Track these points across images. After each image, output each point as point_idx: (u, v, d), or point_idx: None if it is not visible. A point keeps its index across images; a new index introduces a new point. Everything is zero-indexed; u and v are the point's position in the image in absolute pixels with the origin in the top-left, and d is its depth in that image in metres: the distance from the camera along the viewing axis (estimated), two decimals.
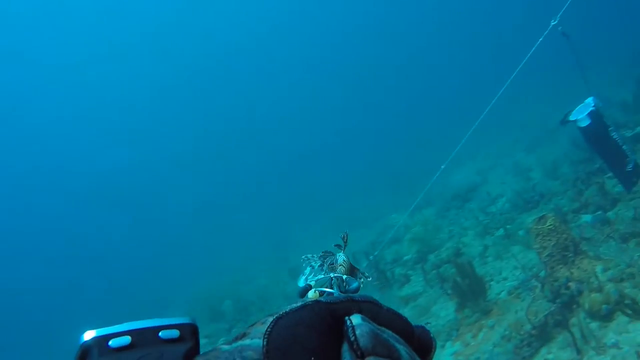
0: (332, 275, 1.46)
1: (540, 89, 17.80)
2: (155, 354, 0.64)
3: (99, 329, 0.65)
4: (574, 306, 5.61)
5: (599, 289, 5.46)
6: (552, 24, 5.31)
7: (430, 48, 44.84)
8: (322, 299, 0.62)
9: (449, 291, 7.79)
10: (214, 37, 50.31)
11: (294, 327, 0.56)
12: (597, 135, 6.20)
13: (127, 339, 0.65)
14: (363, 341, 0.53)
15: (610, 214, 7.58)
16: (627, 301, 5.15)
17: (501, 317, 6.46)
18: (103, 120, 48.93)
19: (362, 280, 1.59)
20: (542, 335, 5.54)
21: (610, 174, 8.20)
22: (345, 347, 0.55)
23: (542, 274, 6.42)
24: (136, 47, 47.60)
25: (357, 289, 1.38)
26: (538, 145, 14.08)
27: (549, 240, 6.04)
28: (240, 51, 51.58)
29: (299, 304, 0.60)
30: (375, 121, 37.24)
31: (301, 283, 1.48)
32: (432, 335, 0.68)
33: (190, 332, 0.70)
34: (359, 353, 0.52)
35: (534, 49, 5.30)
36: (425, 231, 10.29)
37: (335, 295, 1.06)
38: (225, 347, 0.59)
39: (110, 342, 0.64)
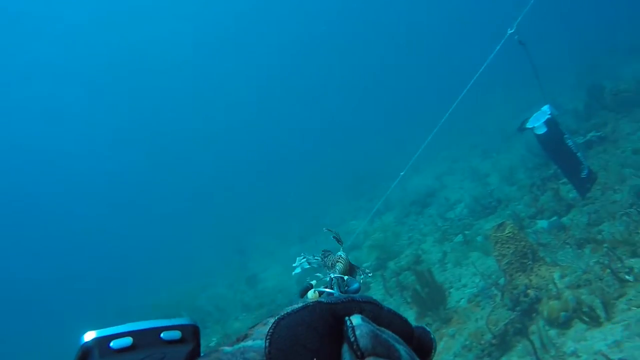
0: (332, 275, 1.47)
1: (497, 95, 18.16)
2: (157, 355, 0.63)
3: (99, 330, 0.63)
4: (533, 314, 5.58)
5: (557, 297, 5.45)
6: (509, 32, 5.28)
7: (392, 55, 45.36)
8: (322, 299, 0.61)
9: (409, 299, 7.68)
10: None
11: (295, 327, 0.56)
12: (553, 142, 6.22)
13: (128, 340, 0.63)
14: (363, 342, 0.53)
15: (565, 219, 7.68)
16: (584, 308, 5.14)
17: (462, 326, 6.38)
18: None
19: (362, 277, 1.64)
20: (503, 344, 5.47)
21: (564, 180, 8.34)
22: (345, 347, 0.55)
23: (502, 281, 6.39)
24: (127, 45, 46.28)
25: (357, 290, 1.37)
26: (494, 150, 14.32)
27: (508, 247, 6.01)
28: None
29: (300, 304, 0.60)
30: (336, 126, 37.23)
31: (297, 270, 1.59)
32: (432, 335, 0.67)
33: (191, 334, 0.68)
34: (359, 353, 0.52)
35: (491, 56, 5.27)
36: (385, 238, 10.20)
37: (335, 295, 1.02)
38: (227, 348, 0.59)
39: (111, 344, 0.62)
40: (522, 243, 6.05)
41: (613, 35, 19.08)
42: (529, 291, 5.77)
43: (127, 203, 43.89)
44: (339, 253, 1.69)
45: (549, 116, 6.31)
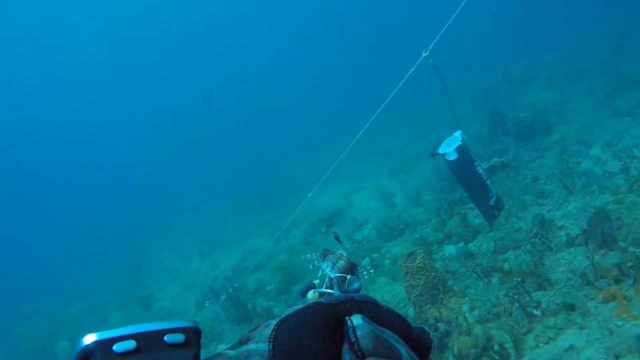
0: (332, 275, 1.45)
1: (405, 115, 18.46)
2: (162, 359, 0.59)
3: (100, 332, 0.59)
4: (444, 350, 5.28)
5: (467, 332, 5.20)
6: (424, 55, 5.04)
7: (307, 72, 45.41)
8: (322, 299, 0.62)
9: None
10: None
11: (297, 329, 0.57)
12: (463, 169, 6.04)
13: (132, 344, 0.59)
14: (364, 342, 0.54)
15: (472, 245, 7.61)
16: (494, 346, 4.92)
17: None
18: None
19: (365, 274, 1.62)
20: None
21: (471, 205, 8.35)
22: (345, 347, 0.56)
23: (411, 312, 6.07)
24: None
25: (358, 289, 1.32)
26: (402, 170, 14.38)
27: (419, 279, 5.70)
28: None
29: (301, 305, 0.62)
30: (242, 139, 36.31)
31: (327, 271, 1.50)
32: (431, 336, 0.68)
33: (194, 337, 0.63)
34: (359, 354, 0.53)
35: (404, 79, 5.11)
36: (290, 260, 9.64)
37: (335, 295, 0.96)
38: (231, 352, 0.59)
39: (114, 347, 0.58)
40: (433, 274, 5.78)
41: (509, 65, 20.34)
42: (439, 324, 5.49)
43: None
44: (340, 251, 1.65)
45: (461, 143, 6.13)
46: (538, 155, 9.43)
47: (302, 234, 12.70)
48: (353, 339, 0.54)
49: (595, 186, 7.26)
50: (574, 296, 4.97)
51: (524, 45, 22.09)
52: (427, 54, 4.97)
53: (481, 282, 5.93)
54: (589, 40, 17.89)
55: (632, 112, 9.75)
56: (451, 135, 6.50)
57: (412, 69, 5.11)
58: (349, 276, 1.46)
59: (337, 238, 1.92)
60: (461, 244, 7.88)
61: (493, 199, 6.26)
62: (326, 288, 1.37)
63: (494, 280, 6.18)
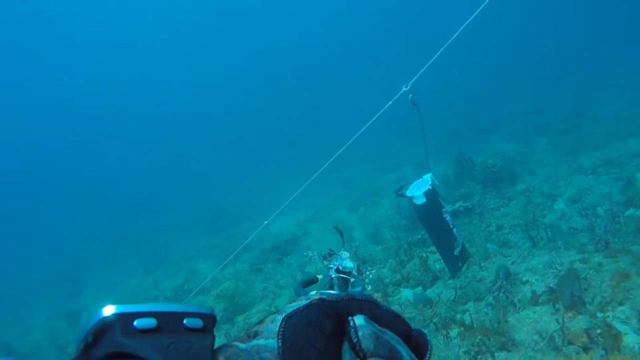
0: (333, 275, 1.49)
1: (370, 150, 18.20)
2: (184, 342, 0.57)
3: (120, 305, 0.56)
4: None
5: None
6: (403, 89, 4.69)
7: (279, 96, 45.08)
8: (324, 297, 0.63)
9: None
10: None
11: (304, 327, 0.58)
12: (430, 214, 5.65)
13: (153, 321, 0.57)
14: (365, 343, 0.55)
15: (430, 292, 7.21)
16: None
17: None
18: None
19: (368, 273, 1.63)
20: None
21: (432, 248, 8.00)
22: (345, 346, 0.57)
23: None
24: None
25: (360, 292, 1.07)
26: (362, 204, 14.01)
27: None
28: None
29: (304, 302, 0.63)
30: (204, 156, 35.33)
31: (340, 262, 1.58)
32: (428, 338, 0.70)
33: (211, 324, 0.62)
34: (361, 354, 0.54)
35: (380, 113, 4.81)
36: (236, 287, 8.95)
37: (335, 293, 0.82)
38: (242, 345, 0.59)
39: (135, 322, 0.56)
40: None
41: (476, 111, 20.63)
42: None
43: None
44: (343, 253, 1.67)
45: (430, 187, 5.73)
46: (503, 203, 9.24)
47: (252, 260, 12.03)
48: (355, 340, 0.55)
49: (560, 242, 7.04)
50: None
51: (490, 92, 22.56)
52: (407, 88, 4.68)
53: (440, 335, 5.48)
54: (551, 95, 18.38)
55: (596, 170, 9.76)
56: (420, 177, 6.16)
57: (389, 103, 4.82)
58: (352, 279, 1.50)
59: (340, 234, 1.94)
60: (419, 289, 7.47)
61: (458, 249, 5.90)
62: (327, 288, 1.41)
63: (453, 333, 5.76)
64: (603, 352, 4.35)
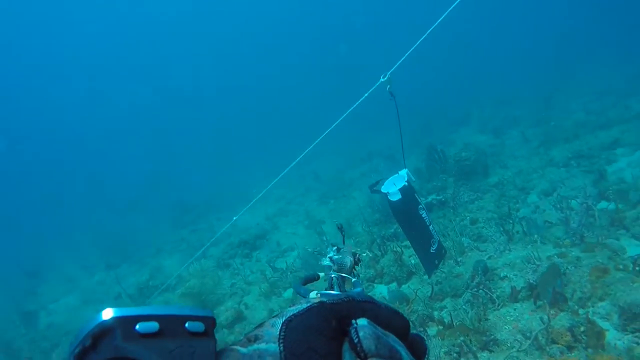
0: (332, 275, 1.47)
1: (341, 141, 17.91)
2: (187, 347, 0.56)
3: (120, 308, 0.54)
4: None
5: None
6: (382, 80, 4.50)
7: (252, 86, 44.21)
8: (324, 299, 0.63)
9: None
10: None
11: (305, 331, 0.57)
12: (406, 211, 5.43)
13: (155, 325, 0.55)
14: (366, 343, 0.54)
15: (405, 287, 7.01)
16: None
17: None
18: None
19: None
20: None
21: (406, 242, 7.80)
22: (346, 346, 0.56)
23: None
24: None
25: (360, 293, 0.94)
26: (332, 197, 13.75)
27: None
28: None
29: (304, 305, 0.61)
30: (171, 146, 34.30)
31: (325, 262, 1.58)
32: (426, 342, 0.68)
33: (212, 328, 0.61)
34: (362, 355, 0.53)
35: (357, 103, 4.65)
36: (202, 284, 8.55)
37: (336, 295, 0.97)
38: (242, 349, 0.59)
39: (137, 326, 0.54)
40: None
41: (446, 103, 20.63)
42: None
43: None
44: (343, 249, 1.65)
45: (406, 183, 5.49)
46: (477, 197, 9.11)
47: (219, 255, 11.62)
48: (356, 340, 0.54)
49: (536, 236, 6.94)
50: None
51: (460, 85, 22.62)
52: (385, 79, 4.46)
53: (415, 330, 5.25)
54: (521, 87, 18.49)
55: (567, 163, 9.76)
56: (394, 171, 5.92)
57: (366, 94, 4.62)
58: (354, 279, 1.49)
59: (342, 233, 1.91)
60: (394, 284, 7.26)
61: (434, 247, 5.71)
62: (327, 288, 1.39)
63: (431, 331, 5.56)
64: (589, 351, 4.20)
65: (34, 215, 26.88)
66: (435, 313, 5.96)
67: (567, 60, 20.20)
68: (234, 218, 5.34)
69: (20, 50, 41.14)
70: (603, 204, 7.45)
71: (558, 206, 7.55)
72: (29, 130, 42.86)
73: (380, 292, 7.13)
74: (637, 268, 5.38)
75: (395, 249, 7.68)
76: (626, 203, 7.11)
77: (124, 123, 40.97)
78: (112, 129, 40.61)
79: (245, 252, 11.33)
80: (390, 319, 0.63)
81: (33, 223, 25.29)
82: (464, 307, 5.72)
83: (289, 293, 8.29)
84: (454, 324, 5.38)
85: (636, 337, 4.54)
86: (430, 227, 5.65)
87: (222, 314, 8.03)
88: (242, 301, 8.55)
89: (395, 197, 5.46)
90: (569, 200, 7.68)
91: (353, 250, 1.70)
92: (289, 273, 8.87)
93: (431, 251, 5.64)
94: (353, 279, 1.49)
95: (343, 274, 1.50)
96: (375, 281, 7.49)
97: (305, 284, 1.46)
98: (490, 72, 23.23)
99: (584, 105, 13.64)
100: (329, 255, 1.59)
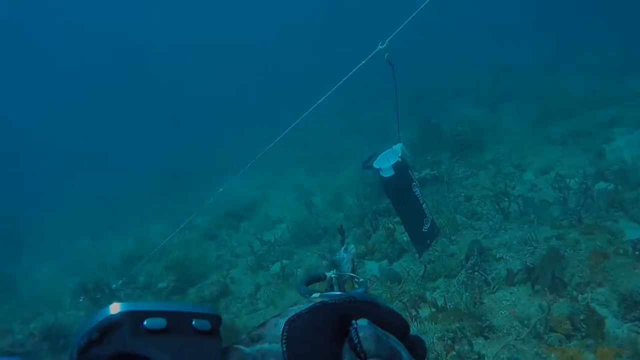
0: (332, 275, 1.48)
1: (333, 110, 17.46)
2: (194, 345, 0.56)
3: (128, 303, 0.54)
4: None
5: None
6: (380, 47, 4.22)
7: (245, 53, 43.02)
8: (326, 299, 0.63)
9: None
10: None
11: (307, 331, 0.57)
12: (398, 188, 5.16)
13: (162, 322, 0.54)
14: (366, 344, 0.54)
15: (397, 265, 6.82)
16: None
17: None
18: None
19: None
20: None
21: (398, 219, 7.58)
22: (346, 346, 0.56)
23: None
24: None
25: (361, 293, 0.93)
26: (322, 168, 13.42)
27: None
28: None
29: (306, 305, 0.62)
30: (160, 112, 33.41)
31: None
32: (426, 345, 0.68)
33: (218, 326, 0.60)
34: (362, 355, 0.54)
35: (354, 70, 4.41)
36: (186, 257, 8.30)
37: (337, 295, 0.79)
38: (246, 349, 0.58)
39: (145, 322, 0.53)
40: None
41: (441, 75, 20.20)
42: None
43: None
44: (341, 251, 1.69)
45: (400, 159, 5.20)
46: (472, 173, 8.87)
47: (206, 225, 11.34)
48: (356, 340, 0.54)
49: (533, 215, 6.74)
50: (521, 351, 4.24)
51: (455, 57, 22.12)
52: (383, 46, 4.16)
53: (409, 316, 5.07)
54: (518, 61, 18.07)
55: (564, 140, 9.53)
56: (388, 145, 5.63)
57: (363, 61, 4.35)
58: (361, 279, 1.48)
59: (341, 234, 2.09)
60: (385, 262, 7.06)
61: (427, 225, 5.48)
62: (327, 288, 1.47)
63: (423, 313, 5.38)
64: (590, 341, 4.03)
65: (15, 182, 26.27)
66: (428, 294, 5.78)
67: (567, 35, 19.74)
68: (220, 190, 5.07)
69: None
70: (601, 185, 7.26)
71: (555, 185, 7.35)
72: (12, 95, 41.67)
73: (371, 269, 6.95)
74: (637, 253, 5.22)
75: (387, 225, 7.45)
76: (625, 184, 6.92)
77: (110, 89, 39.88)
78: (98, 95, 39.56)
79: (232, 224, 11.06)
80: (390, 320, 0.63)
81: (14, 189, 24.72)
82: (458, 288, 5.54)
83: (276, 267, 8.08)
84: (448, 306, 5.20)
85: (636, 325, 4.40)
86: (424, 205, 5.42)
87: (207, 288, 7.81)
88: (228, 274, 8.33)
89: (388, 172, 5.18)
90: (567, 180, 7.47)
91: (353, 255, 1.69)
92: (277, 247, 8.64)
93: (423, 230, 5.42)
94: (361, 279, 1.47)
95: (349, 274, 1.53)
96: (366, 258, 7.30)
97: (309, 284, 1.43)
98: (487, 44, 22.72)
99: (582, 83, 13.32)
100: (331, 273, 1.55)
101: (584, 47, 17.34)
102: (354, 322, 0.57)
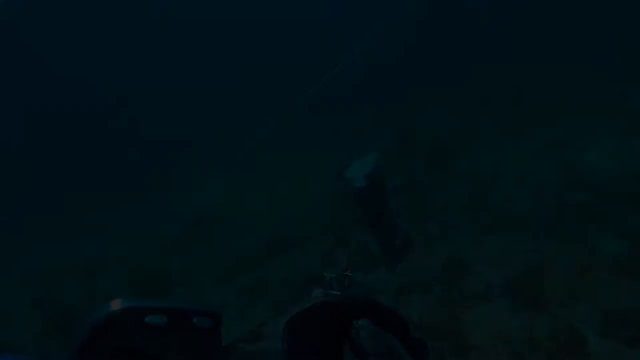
0: (332, 275, 1.55)
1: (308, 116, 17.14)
2: (195, 343, 0.57)
3: (130, 300, 0.55)
4: None
5: None
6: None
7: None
8: (326, 299, 0.68)
9: None
10: None
11: (308, 331, 0.58)
12: (371, 200, 4.94)
13: (164, 319, 0.56)
14: (367, 344, 0.57)
15: (370, 278, 6.56)
16: None
17: None
18: None
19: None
20: None
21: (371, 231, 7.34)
22: (346, 346, 0.58)
23: None
24: None
25: (361, 294, 1.30)
26: (296, 172, 13.05)
27: None
28: None
29: (306, 305, 0.64)
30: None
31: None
32: (428, 347, 0.72)
33: (218, 324, 0.62)
34: (362, 355, 0.57)
35: (326, 77, 4.11)
36: (149, 271, 7.90)
37: (337, 295, 1.03)
38: (246, 347, 0.59)
39: (146, 318, 0.55)
40: None
41: (414, 82, 20.10)
42: None
43: None
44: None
45: (373, 169, 4.97)
46: (447, 182, 8.71)
47: (175, 236, 10.82)
48: (356, 340, 0.58)
49: (510, 227, 6.59)
50: None
51: (428, 63, 22.06)
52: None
53: None
54: (493, 68, 18.06)
55: (540, 149, 9.46)
56: (365, 156, 5.41)
57: (337, 68, 4.09)
58: (359, 278, 1.52)
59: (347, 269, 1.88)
60: (358, 274, 6.80)
61: (400, 240, 5.27)
62: (327, 289, 1.44)
63: None
64: None
65: None
66: (402, 309, 5.54)
67: (547, 41, 19.82)
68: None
69: None
70: (578, 196, 7.16)
71: (531, 195, 7.24)
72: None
73: None
74: (617, 267, 5.09)
75: (359, 238, 7.20)
76: (601, 195, 6.83)
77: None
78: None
79: (203, 230, 10.63)
80: (390, 320, 0.69)
81: None
82: (433, 304, 5.31)
83: (246, 280, 7.74)
84: (423, 322, 4.97)
85: (618, 343, 4.24)
86: (398, 219, 5.22)
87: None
88: (196, 290, 7.96)
89: (360, 183, 4.96)
90: (542, 190, 7.37)
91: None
92: (246, 254, 8.32)
93: (396, 244, 5.23)
94: (362, 278, 1.46)
95: (346, 273, 1.57)
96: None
97: (308, 284, 1.46)
98: (462, 50, 22.78)
99: (559, 90, 13.33)
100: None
101: (563, 52, 17.42)
102: (354, 322, 0.60)
